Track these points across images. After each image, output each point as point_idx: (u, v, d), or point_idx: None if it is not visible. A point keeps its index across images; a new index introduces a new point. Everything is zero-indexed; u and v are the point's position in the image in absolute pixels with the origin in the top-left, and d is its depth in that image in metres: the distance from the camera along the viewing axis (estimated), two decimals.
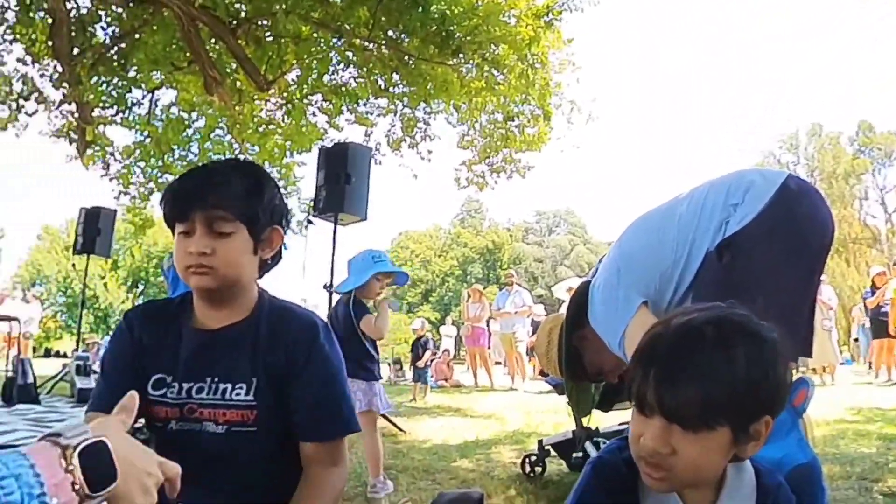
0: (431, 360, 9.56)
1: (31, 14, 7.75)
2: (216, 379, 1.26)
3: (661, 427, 0.89)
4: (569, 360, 2.18)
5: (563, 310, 3.32)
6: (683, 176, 51.78)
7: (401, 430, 4.93)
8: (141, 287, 35.19)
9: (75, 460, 0.62)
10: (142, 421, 1.27)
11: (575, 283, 8.00)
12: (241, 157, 8.82)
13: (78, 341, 8.67)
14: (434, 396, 8.44)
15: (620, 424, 3.34)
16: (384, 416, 4.07)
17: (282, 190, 1.42)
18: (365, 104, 9.36)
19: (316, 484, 1.24)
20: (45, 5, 7.37)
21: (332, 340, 1.35)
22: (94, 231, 7.60)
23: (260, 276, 1.35)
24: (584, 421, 3.37)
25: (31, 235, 47.28)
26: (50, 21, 7.55)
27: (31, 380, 6.10)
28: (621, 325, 1.83)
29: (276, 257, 1.37)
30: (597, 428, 3.31)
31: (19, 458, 0.58)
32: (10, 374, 6.19)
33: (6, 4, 7.89)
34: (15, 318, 8.59)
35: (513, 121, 9.51)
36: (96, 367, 7.83)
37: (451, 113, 9.82)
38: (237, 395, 1.25)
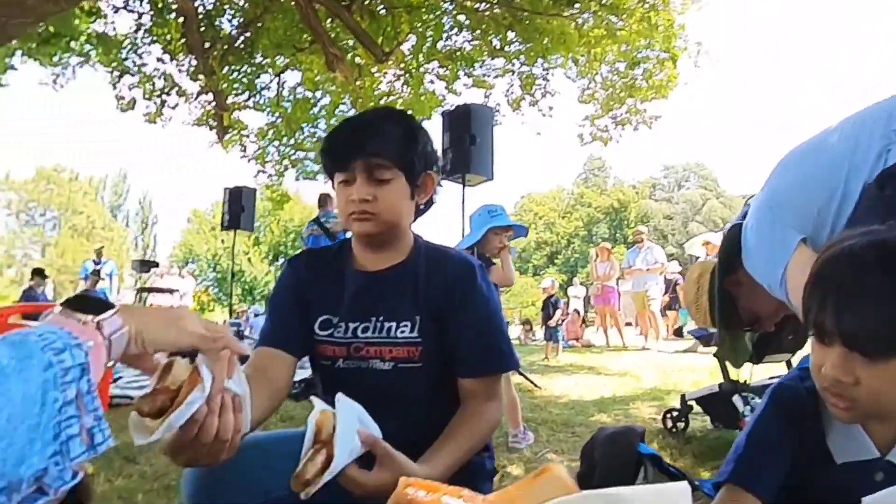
0: (562, 320, 9.45)
1: (165, 15, 8.41)
2: (381, 318, 1.30)
3: (842, 355, 0.85)
4: (721, 307, 2.08)
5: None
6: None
7: (536, 385, 4.95)
8: (281, 260, 37.55)
9: (77, 314, 0.68)
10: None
11: (711, 237, 7.58)
12: None
13: (230, 311, 9.41)
14: (566, 356, 8.40)
15: (771, 378, 3.16)
16: (519, 372, 4.10)
17: None
18: (481, 66, 9.32)
19: (472, 417, 1.27)
20: (176, 5, 7.94)
21: (488, 280, 1.36)
22: (238, 208, 8.19)
23: (413, 221, 1.38)
24: (734, 374, 3.22)
25: (182, 219, 51.84)
26: (181, 19, 8.13)
27: None
28: (780, 264, 1.71)
29: (429, 203, 1.41)
30: (745, 381, 3.15)
31: (46, 325, 0.64)
32: None
33: (141, 10, 8.59)
34: (176, 290, 9.54)
35: (636, 68, 9.08)
36: (248, 332, 8.52)
37: (570, 67, 9.53)
38: (402, 332, 1.29)
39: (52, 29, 7.27)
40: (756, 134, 71.25)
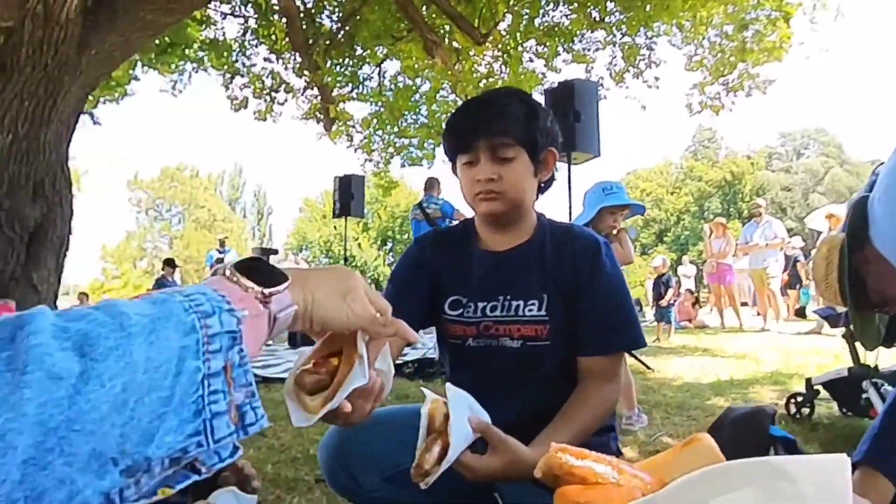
0: (674, 300, 9.10)
1: (269, 17, 8.82)
2: (508, 297, 1.33)
3: None
4: (851, 285, 1.96)
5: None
6: None
7: (648, 367, 4.84)
8: (390, 245, 38.58)
9: (244, 280, 0.59)
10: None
11: (835, 209, 7.02)
12: None
13: None
14: (678, 337, 8.12)
15: None
16: (631, 354, 4.02)
17: None
18: (580, 40, 9.06)
19: (591, 397, 1.27)
20: (279, 6, 8.29)
21: (613, 258, 1.36)
22: (348, 196, 8.45)
23: (535, 199, 1.39)
24: (863, 358, 3.00)
25: (294, 208, 54.22)
26: (284, 20, 8.50)
27: None
28: None
29: (550, 180, 1.41)
30: (876, 366, 2.93)
31: (198, 286, 0.56)
32: None
33: (247, 14, 9.05)
34: None
35: (746, 29, 8.51)
36: None
37: (674, 34, 9.08)
38: (530, 311, 1.31)
39: (168, 39, 7.81)
40: (884, 94, 64.97)
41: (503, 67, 9.18)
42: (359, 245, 34.91)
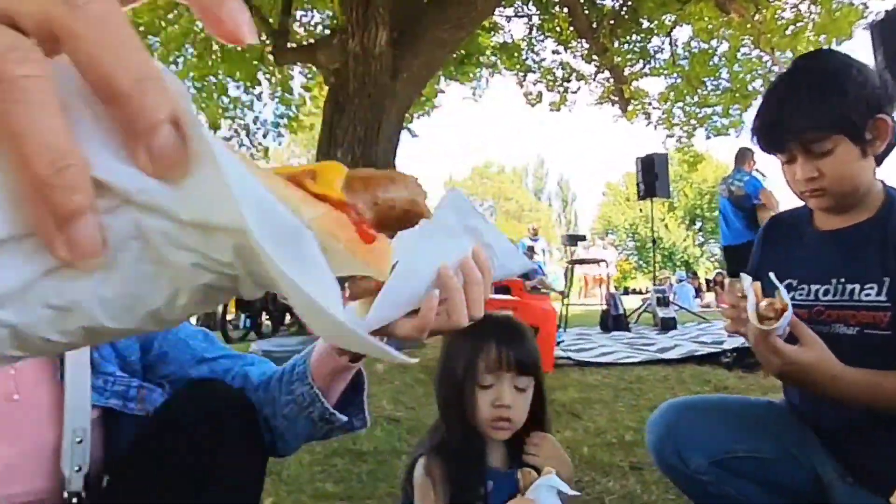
0: None
1: (550, 10, 9.04)
2: (842, 280, 1.22)
3: None
4: None
5: None
6: None
7: None
8: (699, 224, 36.32)
9: None
10: None
11: None
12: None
13: (653, 278, 9.56)
14: None
15: None
16: None
17: None
18: None
19: None
20: None
21: None
22: (651, 176, 8.14)
23: (878, 165, 1.23)
24: None
25: (597, 193, 54.32)
26: (566, 10, 8.61)
27: (621, 311, 7.14)
28: None
29: (891, 145, 1.23)
30: None
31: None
32: (604, 307, 7.35)
33: (530, 12, 9.39)
34: (603, 260, 10.17)
35: None
36: (672, 298, 8.57)
37: None
38: (867, 295, 1.18)
39: (463, 52, 8.54)
40: None
41: (812, 7, 8.00)
42: (665, 226, 33.53)
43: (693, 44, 9.61)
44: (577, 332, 6.82)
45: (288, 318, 6.86)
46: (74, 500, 0.78)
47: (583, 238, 14.83)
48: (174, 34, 7.81)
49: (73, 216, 0.19)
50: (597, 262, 10.75)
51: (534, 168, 52.78)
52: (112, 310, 0.22)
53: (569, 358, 4.55)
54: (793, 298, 1.25)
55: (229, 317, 7.13)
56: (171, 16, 7.68)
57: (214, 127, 8.51)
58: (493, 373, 1.17)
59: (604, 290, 9.80)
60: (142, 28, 7.24)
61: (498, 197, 47.29)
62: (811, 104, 1.16)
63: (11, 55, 0.18)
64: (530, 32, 9.85)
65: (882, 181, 1.24)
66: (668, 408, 1.37)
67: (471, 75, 9.91)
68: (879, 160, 1.21)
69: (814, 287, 1.25)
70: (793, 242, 1.31)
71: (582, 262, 10.84)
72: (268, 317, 6.99)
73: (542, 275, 12.30)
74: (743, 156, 5.64)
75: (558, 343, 4.86)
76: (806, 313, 1.24)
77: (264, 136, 10.29)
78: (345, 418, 0.86)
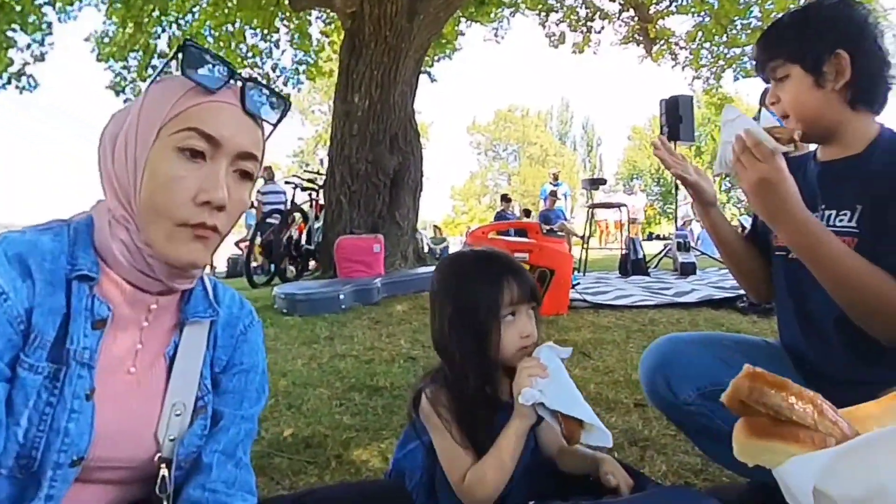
0: None
1: None
2: (823, 207, 1.28)
3: None
4: None
5: None
6: None
7: None
8: None
9: None
10: None
11: None
12: None
13: (675, 223, 9.49)
14: None
15: None
16: None
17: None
18: None
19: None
20: None
21: None
22: (676, 119, 7.93)
23: (871, 109, 1.24)
24: None
25: (623, 137, 53.36)
26: None
27: (640, 255, 7.15)
28: None
29: (862, 83, 1.21)
30: None
31: None
32: (623, 251, 7.35)
33: None
34: (622, 204, 10.09)
35: None
36: (695, 244, 8.53)
37: None
38: (840, 221, 1.23)
39: None
40: None
41: None
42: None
43: None
44: (595, 276, 6.85)
45: (312, 263, 6.99)
46: (163, 467, 0.84)
47: (603, 182, 14.69)
48: None
49: None
50: (616, 206, 10.68)
51: (558, 112, 51.79)
52: None
53: (584, 300, 4.60)
54: None
55: (255, 263, 7.27)
56: None
57: None
58: (514, 305, 1.22)
59: (624, 234, 9.78)
60: None
61: (522, 141, 46.65)
62: (776, 32, 1.27)
63: None
64: None
65: (881, 124, 1.25)
66: (663, 341, 1.43)
67: (491, 15, 9.66)
68: (857, 97, 1.21)
69: None
70: (799, 174, 1.31)
71: (601, 206, 10.79)
72: (291, 262, 7.12)
73: (563, 219, 12.28)
74: (765, 97, 5.60)
75: (574, 286, 4.91)
76: None
77: (284, 84, 10.25)
78: None
